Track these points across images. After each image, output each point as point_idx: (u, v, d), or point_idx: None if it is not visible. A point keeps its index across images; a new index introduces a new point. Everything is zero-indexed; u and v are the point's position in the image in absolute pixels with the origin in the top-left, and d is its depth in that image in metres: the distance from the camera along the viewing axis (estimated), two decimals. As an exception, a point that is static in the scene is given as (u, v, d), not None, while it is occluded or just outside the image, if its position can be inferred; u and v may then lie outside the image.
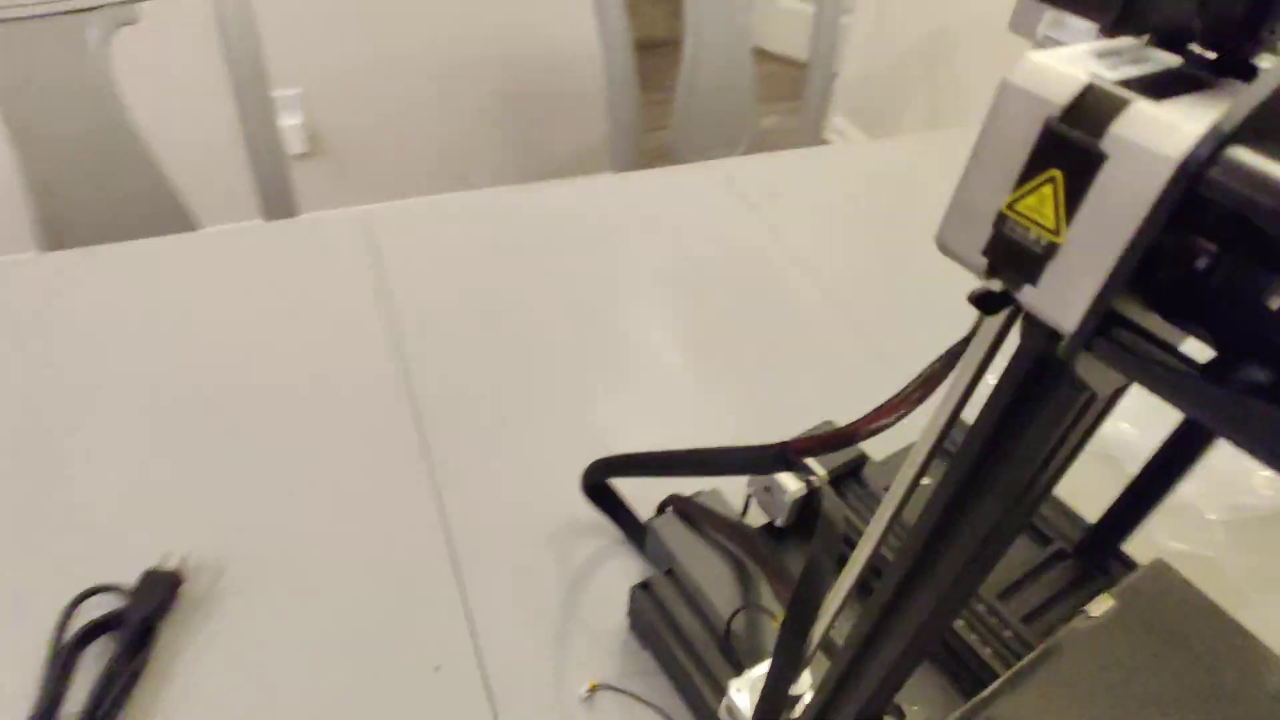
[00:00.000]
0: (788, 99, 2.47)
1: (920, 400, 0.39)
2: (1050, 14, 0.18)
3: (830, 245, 0.75)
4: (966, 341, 0.37)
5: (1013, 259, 0.15)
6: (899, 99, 2.06)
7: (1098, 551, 0.45)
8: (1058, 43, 0.17)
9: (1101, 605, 0.38)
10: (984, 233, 0.16)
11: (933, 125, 1.97)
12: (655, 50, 2.60)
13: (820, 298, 0.69)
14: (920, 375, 0.38)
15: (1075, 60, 0.14)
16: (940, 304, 0.69)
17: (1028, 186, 0.14)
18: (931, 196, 0.84)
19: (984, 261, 0.16)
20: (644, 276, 0.70)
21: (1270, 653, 0.35)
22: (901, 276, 0.72)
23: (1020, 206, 0.15)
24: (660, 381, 0.61)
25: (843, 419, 0.52)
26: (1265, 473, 0.55)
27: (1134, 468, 0.53)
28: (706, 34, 1.09)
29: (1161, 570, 0.40)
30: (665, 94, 2.36)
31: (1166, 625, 0.37)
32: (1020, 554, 0.47)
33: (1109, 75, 0.13)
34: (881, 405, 0.39)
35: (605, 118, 1.93)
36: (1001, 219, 0.15)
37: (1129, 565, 0.44)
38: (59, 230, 0.87)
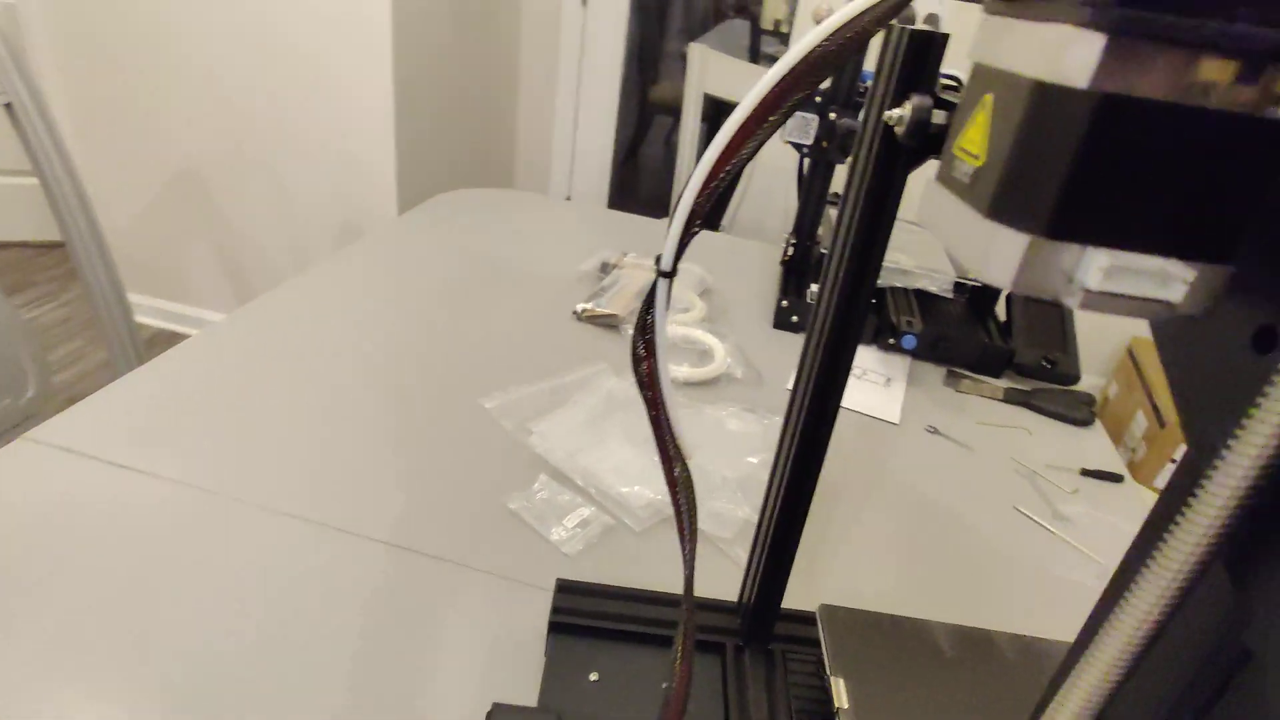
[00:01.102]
0: (37, 285, 1.94)
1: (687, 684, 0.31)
2: (1104, 258, 0.13)
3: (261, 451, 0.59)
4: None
5: None
6: (178, 260, 1.82)
7: (761, 625, 0.46)
8: (1115, 297, 0.11)
9: (840, 692, 0.38)
10: None
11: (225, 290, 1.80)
12: None
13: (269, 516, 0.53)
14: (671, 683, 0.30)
15: None
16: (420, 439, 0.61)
17: None
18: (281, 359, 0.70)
19: None
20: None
21: (975, 629, 0.40)
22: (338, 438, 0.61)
23: None
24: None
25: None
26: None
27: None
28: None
29: (833, 614, 0.43)
30: None
31: (896, 661, 0.39)
32: (704, 674, 0.44)
33: None
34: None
35: None
36: None
37: (801, 619, 0.45)
38: None
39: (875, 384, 0.81)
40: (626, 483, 0.60)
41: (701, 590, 0.50)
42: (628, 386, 0.73)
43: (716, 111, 2.61)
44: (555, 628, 0.45)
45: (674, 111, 2.56)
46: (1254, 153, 0.12)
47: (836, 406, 0.38)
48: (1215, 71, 0.11)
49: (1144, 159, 0.12)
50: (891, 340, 0.84)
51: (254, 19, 1.48)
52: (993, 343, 0.85)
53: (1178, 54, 0.11)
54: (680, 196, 0.22)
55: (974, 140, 0.13)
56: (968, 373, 0.85)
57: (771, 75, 0.21)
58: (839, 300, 0.35)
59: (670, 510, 0.58)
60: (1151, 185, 0.12)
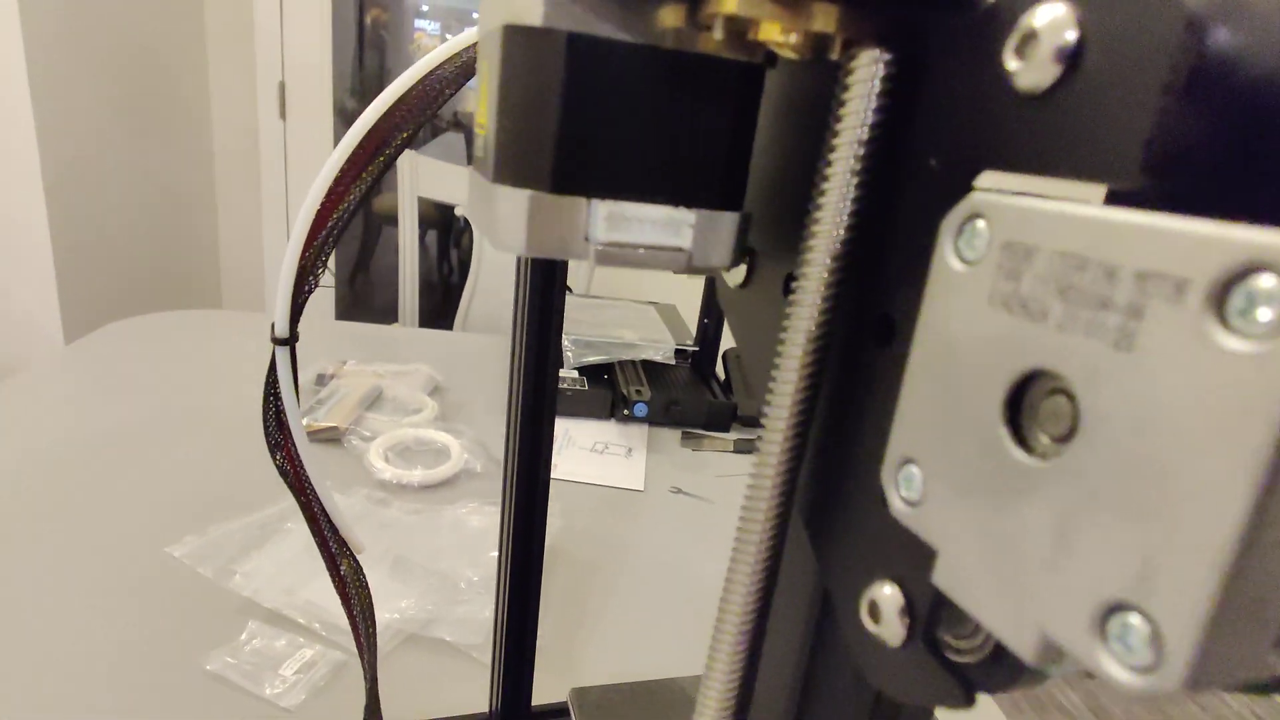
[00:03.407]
0: None
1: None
2: (607, 207, 0.11)
3: None
4: None
5: None
6: None
7: (517, 729, 0.42)
8: (628, 247, 0.11)
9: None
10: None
11: None
12: None
13: None
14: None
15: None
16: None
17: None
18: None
19: (1274, 661, 0.08)
20: None
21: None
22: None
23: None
24: None
25: None
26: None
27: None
28: None
29: (583, 697, 0.40)
30: None
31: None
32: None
33: None
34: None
35: None
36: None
37: (556, 713, 0.42)
38: None
39: (618, 455, 0.82)
40: (357, 608, 0.53)
41: (458, 707, 0.45)
42: (356, 502, 0.67)
43: (443, 215, 2.62)
44: (266, 803, 0.37)
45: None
46: (723, 95, 0.12)
47: (546, 488, 0.37)
48: (670, 13, 0.12)
49: (623, 104, 0.12)
50: (626, 412, 0.87)
51: None
52: (717, 400, 0.91)
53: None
54: (286, 253, 0.19)
55: (483, 112, 0.13)
56: (700, 431, 0.89)
57: (367, 115, 0.19)
58: (527, 374, 0.34)
59: (416, 627, 0.53)
60: (639, 132, 0.12)
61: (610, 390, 0.89)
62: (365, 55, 3.07)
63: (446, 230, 2.66)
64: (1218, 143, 0.08)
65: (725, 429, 0.90)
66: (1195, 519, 0.07)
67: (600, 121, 0.11)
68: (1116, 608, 0.08)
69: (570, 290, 1.33)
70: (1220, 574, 0.07)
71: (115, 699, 0.45)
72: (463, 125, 2.92)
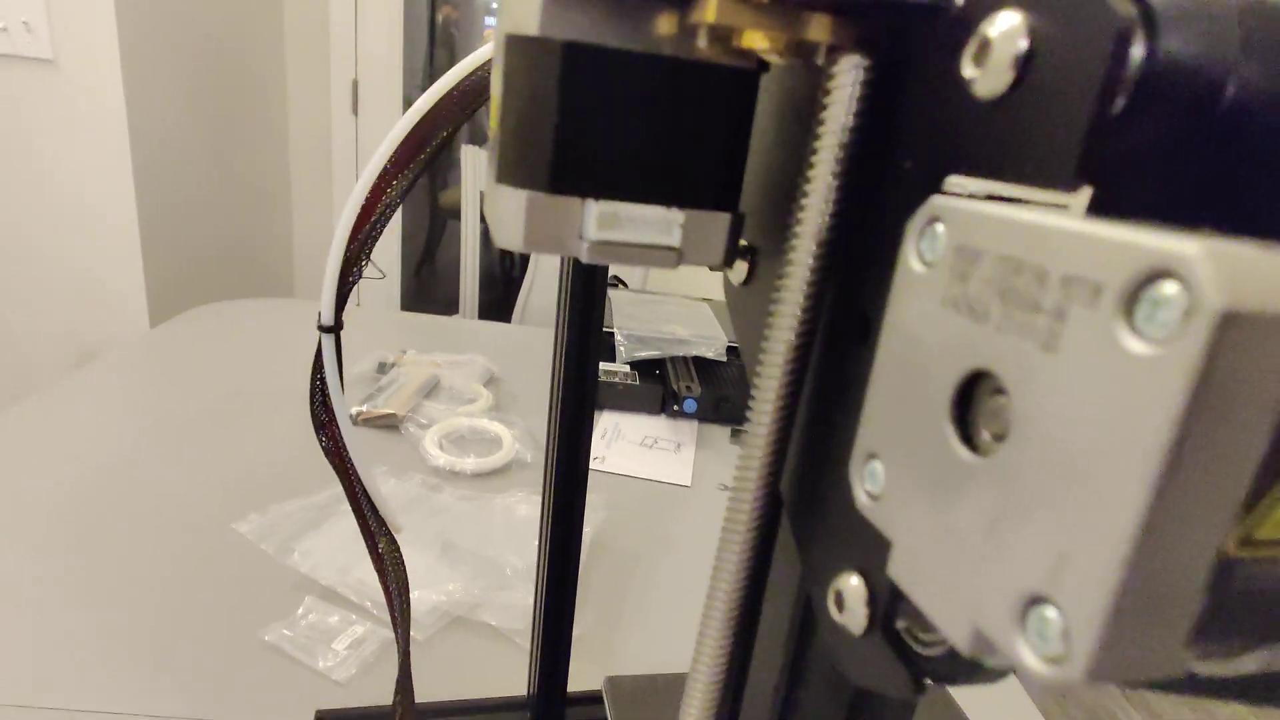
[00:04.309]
0: None
1: None
2: (599, 207, 0.12)
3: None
4: None
5: (1254, 621, 0.09)
6: None
7: (551, 712, 0.43)
8: (619, 245, 0.11)
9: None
10: (1187, 609, 0.08)
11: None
12: None
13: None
14: None
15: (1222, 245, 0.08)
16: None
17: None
18: None
19: (1186, 658, 0.08)
20: None
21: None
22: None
23: (1265, 532, 0.08)
24: None
25: None
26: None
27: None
28: None
29: (618, 686, 0.41)
30: None
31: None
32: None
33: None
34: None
35: None
36: (1228, 568, 0.08)
37: (594, 699, 0.43)
38: None
39: (667, 450, 0.82)
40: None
41: (498, 689, 0.47)
42: (411, 488, 0.69)
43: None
44: (314, 767, 0.39)
45: (464, 215, 2.57)
46: (715, 100, 0.13)
47: (584, 478, 0.37)
48: (665, 21, 0.12)
49: (618, 109, 0.12)
50: (676, 407, 0.87)
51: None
52: (769, 398, 0.91)
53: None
54: (332, 245, 0.20)
55: (493, 111, 0.14)
56: (750, 429, 0.89)
57: (411, 113, 0.20)
58: (569, 367, 0.35)
59: (462, 610, 0.54)
60: (634, 136, 0.12)
61: (661, 385, 0.89)
62: (435, 53, 3.15)
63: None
64: (1163, 147, 0.08)
65: (775, 428, 0.90)
66: (1100, 515, 0.08)
67: (596, 125, 0.12)
68: (1035, 600, 0.08)
69: (625, 285, 1.34)
70: (1121, 567, 0.07)
71: (179, 663, 0.48)
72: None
